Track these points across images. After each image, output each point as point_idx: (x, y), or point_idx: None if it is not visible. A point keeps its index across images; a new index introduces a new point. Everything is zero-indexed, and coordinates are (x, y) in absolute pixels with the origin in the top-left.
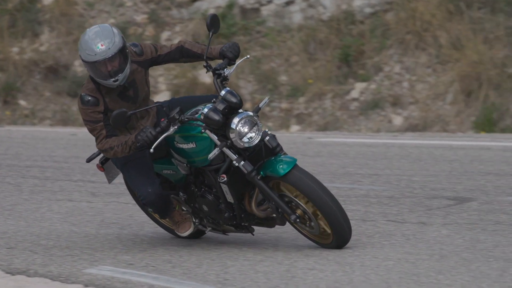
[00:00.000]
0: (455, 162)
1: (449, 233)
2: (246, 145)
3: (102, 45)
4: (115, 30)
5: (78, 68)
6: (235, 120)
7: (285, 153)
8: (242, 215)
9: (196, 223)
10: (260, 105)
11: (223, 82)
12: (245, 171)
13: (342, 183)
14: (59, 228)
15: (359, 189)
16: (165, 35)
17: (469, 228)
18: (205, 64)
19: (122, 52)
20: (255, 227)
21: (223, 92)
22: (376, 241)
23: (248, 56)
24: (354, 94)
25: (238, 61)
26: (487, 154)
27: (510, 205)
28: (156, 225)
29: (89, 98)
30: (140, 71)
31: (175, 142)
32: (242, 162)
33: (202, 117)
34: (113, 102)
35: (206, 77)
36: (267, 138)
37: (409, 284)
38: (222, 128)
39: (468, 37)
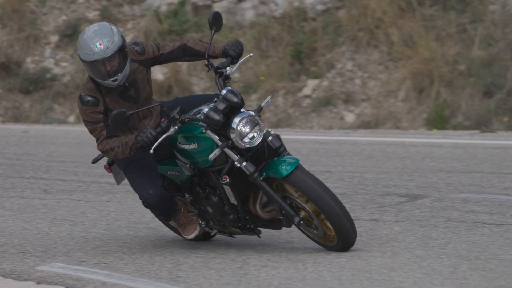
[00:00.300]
0: (407, 159)
1: (401, 230)
2: (247, 145)
3: (100, 44)
4: (114, 29)
5: (30, 64)
6: (236, 119)
7: (288, 154)
8: (247, 217)
9: (203, 225)
10: (262, 104)
11: (225, 81)
12: (248, 172)
13: None
14: (11, 225)
15: None
16: None
17: (421, 225)
18: (206, 63)
19: (121, 51)
20: (261, 229)
21: (224, 91)
22: None
23: (251, 54)
24: (307, 91)
25: (241, 60)
26: (439, 151)
27: (461, 202)
28: (164, 225)
29: (89, 98)
30: (142, 71)
31: (178, 143)
32: (245, 163)
33: (202, 117)
34: (114, 102)
35: (158, 74)
36: (270, 138)
37: (362, 281)
38: (224, 128)
39: (420, 34)
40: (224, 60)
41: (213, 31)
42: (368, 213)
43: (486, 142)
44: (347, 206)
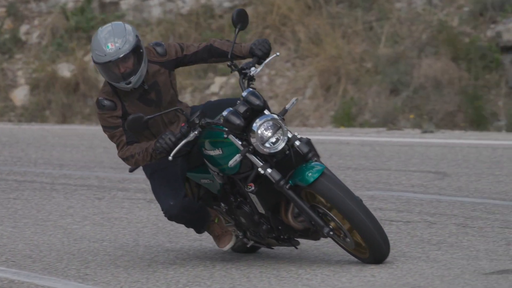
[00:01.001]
0: None
1: None
2: (269, 150)
3: (112, 45)
4: (128, 28)
5: None
6: (257, 123)
7: (317, 160)
8: (280, 227)
9: (240, 237)
10: (287, 106)
11: (250, 82)
12: (273, 180)
13: None
14: None
15: None
16: (24, 28)
17: None
18: (229, 63)
19: (135, 52)
20: (300, 240)
21: (244, 93)
22: None
23: (278, 53)
24: (214, 88)
25: (267, 59)
26: (346, 148)
27: (369, 200)
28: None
29: (106, 102)
30: (163, 73)
31: (204, 149)
32: (270, 170)
33: (222, 120)
34: (134, 106)
35: (65, 71)
36: (298, 143)
37: (270, 278)
38: (246, 133)
39: (326, 32)
40: (250, 60)
41: (237, 30)
42: None
43: (393, 139)
44: None
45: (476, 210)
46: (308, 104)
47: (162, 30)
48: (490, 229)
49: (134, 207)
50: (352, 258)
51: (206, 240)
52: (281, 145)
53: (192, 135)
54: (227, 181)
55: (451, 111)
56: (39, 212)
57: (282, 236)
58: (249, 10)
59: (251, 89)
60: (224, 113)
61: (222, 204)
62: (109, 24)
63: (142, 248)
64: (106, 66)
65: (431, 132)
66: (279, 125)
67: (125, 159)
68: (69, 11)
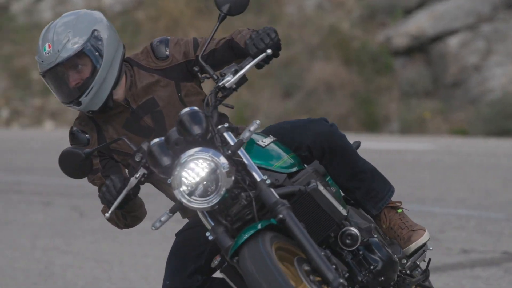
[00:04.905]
0: None
1: None
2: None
3: (49, 46)
4: (82, 18)
5: None
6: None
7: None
8: None
9: None
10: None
11: (221, 96)
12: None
13: None
14: None
15: None
16: None
17: None
18: (196, 68)
19: (87, 56)
20: None
21: (182, 112)
22: (134, 238)
23: (269, 51)
24: None
25: (252, 61)
26: None
27: None
28: None
29: (78, 134)
30: (166, 85)
31: None
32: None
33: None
34: (117, 136)
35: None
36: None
37: None
38: None
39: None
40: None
41: (221, 16)
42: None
43: None
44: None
45: None
46: None
47: None
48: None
49: (30, 210)
50: None
51: (103, 242)
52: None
53: (133, 180)
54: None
55: (344, 114)
56: None
57: None
58: (140, 14)
59: (194, 108)
60: (148, 143)
61: None
62: (68, 13)
63: (38, 251)
64: (47, 79)
65: None
66: (215, 170)
67: (109, 220)
68: None
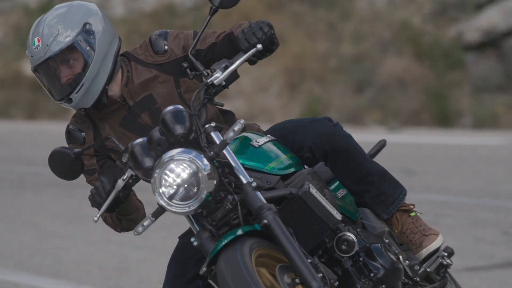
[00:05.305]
0: None
1: None
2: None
3: (39, 40)
4: (75, 10)
5: None
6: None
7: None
8: None
9: None
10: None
11: (210, 93)
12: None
13: None
14: None
15: None
16: None
17: None
18: (185, 64)
19: (78, 50)
20: None
21: (165, 110)
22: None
23: (260, 46)
24: None
25: (243, 57)
26: None
27: None
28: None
29: (74, 132)
30: (165, 81)
31: None
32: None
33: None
34: (114, 135)
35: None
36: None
37: None
38: None
39: (289, 31)
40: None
41: (212, 8)
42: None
43: (358, 137)
44: None
45: (444, 208)
46: (274, 102)
47: (126, 29)
48: (459, 227)
49: None
50: None
51: (176, 235)
52: (196, 203)
53: (120, 182)
54: None
55: (416, 110)
56: (9, 210)
57: None
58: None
59: (177, 107)
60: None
61: None
62: (64, 4)
63: (113, 246)
64: (38, 75)
65: (395, 128)
66: (196, 172)
67: (106, 223)
68: (33, 9)
